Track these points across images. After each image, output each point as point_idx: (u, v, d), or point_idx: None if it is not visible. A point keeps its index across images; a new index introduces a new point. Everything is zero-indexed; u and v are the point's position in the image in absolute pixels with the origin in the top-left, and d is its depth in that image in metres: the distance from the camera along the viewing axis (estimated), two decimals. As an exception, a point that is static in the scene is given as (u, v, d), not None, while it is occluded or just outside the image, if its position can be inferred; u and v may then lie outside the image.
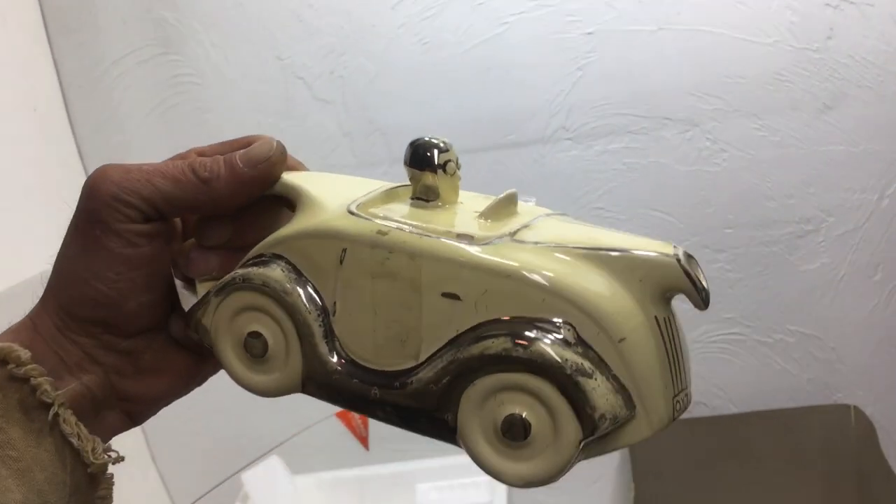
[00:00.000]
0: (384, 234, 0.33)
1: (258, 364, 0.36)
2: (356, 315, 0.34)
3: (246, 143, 0.37)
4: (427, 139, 0.36)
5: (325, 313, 0.35)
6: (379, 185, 0.38)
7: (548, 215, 0.36)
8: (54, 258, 0.36)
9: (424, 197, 0.36)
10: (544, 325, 0.31)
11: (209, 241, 0.38)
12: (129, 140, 1.15)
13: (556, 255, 0.33)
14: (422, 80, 1.11)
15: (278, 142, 0.37)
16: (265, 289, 0.35)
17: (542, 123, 1.11)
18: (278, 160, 0.36)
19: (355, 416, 1.08)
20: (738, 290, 1.15)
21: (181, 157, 0.37)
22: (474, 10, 1.08)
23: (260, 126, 1.13)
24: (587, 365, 0.31)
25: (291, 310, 0.35)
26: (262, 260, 0.36)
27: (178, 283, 0.38)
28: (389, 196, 0.37)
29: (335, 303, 0.35)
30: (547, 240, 0.33)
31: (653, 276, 0.32)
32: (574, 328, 0.31)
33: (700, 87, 1.08)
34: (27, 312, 0.36)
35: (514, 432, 0.31)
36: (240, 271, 0.36)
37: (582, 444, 0.30)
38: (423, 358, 0.33)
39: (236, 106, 1.14)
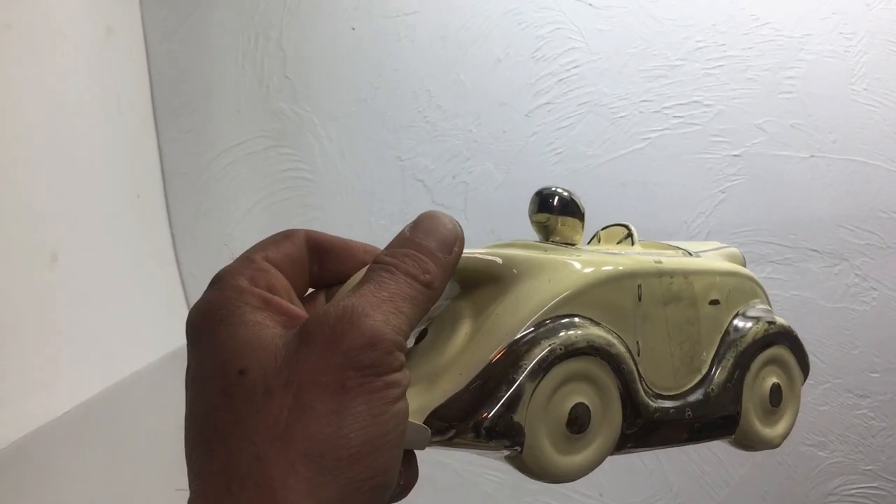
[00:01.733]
0: (660, 262, 0.35)
1: (578, 442, 0.32)
2: (657, 347, 0.35)
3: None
4: (563, 190, 0.37)
5: (632, 355, 0.34)
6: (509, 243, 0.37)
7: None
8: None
9: (570, 241, 0.37)
10: (761, 306, 0.38)
11: None
12: (229, 233, 1.07)
13: (716, 256, 0.41)
14: (551, 192, 1.04)
15: (447, 215, 0.31)
16: (591, 349, 0.32)
17: (677, 246, 1.03)
18: (463, 238, 0.31)
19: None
20: (880, 440, 1.05)
21: (287, 235, 0.32)
22: (613, 124, 1.02)
23: (372, 228, 1.06)
24: None
25: (617, 362, 0.33)
26: (558, 325, 0.32)
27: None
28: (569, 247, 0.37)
29: (637, 342, 0.34)
30: (698, 249, 0.41)
31: (738, 259, 0.42)
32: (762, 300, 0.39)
33: (852, 219, 1.01)
34: None
35: (775, 399, 0.38)
36: (555, 341, 0.31)
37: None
38: (708, 365, 0.36)
39: (348, 205, 1.07)
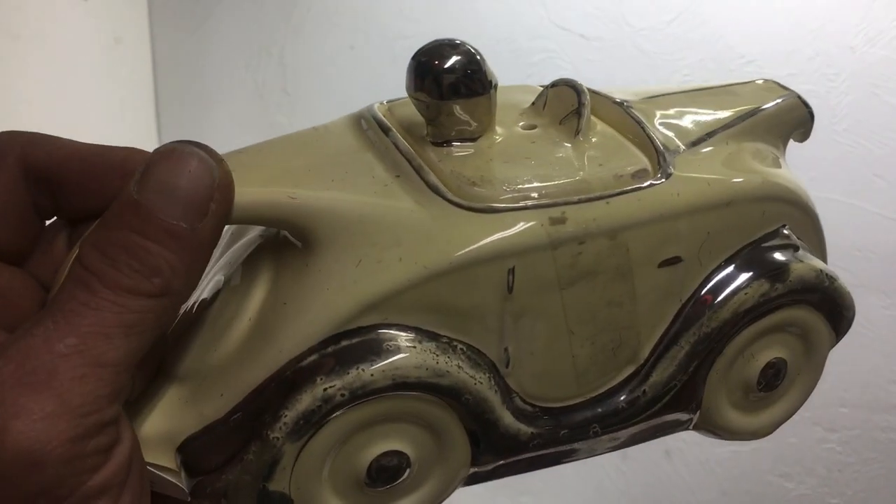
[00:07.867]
0: (561, 220, 0.22)
1: (388, 495, 0.24)
2: (545, 348, 0.24)
3: (120, 164, 0.22)
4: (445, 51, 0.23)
5: (495, 371, 0.23)
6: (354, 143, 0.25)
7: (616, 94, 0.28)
8: None
9: (471, 135, 0.24)
10: (773, 243, 0.26)
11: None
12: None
13: (728, 147, 0.27)
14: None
15: (207, 151, 0.20)
16: (401, 387, 0.22)
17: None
18: (228, 183, 0.21)
19: None
20: (847, 475, 1.07)
21: None
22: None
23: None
24: (823, 264, 0.27)
25: (454, 394, 0.22)
26: (350, 350, 0.21)
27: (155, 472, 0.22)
28: (436, 160, 0.24)
29: (506, 349, 0.23)
30: (695, 130, 0.27)
31: (789, 119, 0.29)
32: (788, 226, 0.27)
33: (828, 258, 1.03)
34: None
35: (772, 379, 0.27)
36: (335, 383, 0.21)
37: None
38: (646, 354, 0.25)
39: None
